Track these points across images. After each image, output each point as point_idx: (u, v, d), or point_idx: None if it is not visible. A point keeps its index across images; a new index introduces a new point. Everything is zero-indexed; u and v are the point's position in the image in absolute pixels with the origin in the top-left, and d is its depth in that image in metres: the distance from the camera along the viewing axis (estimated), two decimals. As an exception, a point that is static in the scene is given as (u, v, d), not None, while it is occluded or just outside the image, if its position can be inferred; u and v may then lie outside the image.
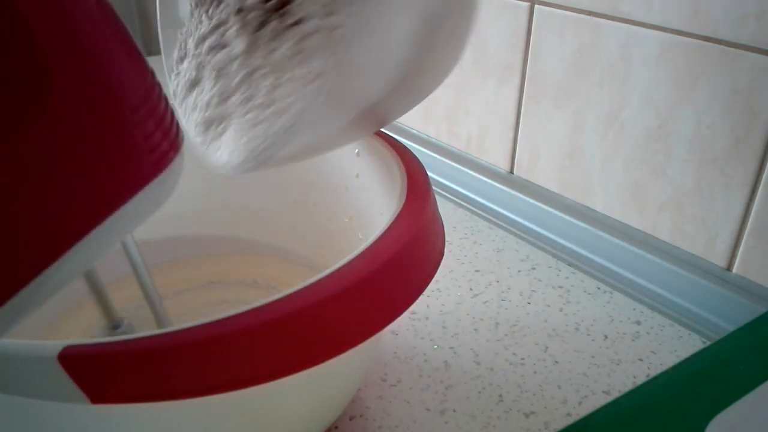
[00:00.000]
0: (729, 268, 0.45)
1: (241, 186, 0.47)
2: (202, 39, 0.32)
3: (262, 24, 0.30)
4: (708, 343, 0.43)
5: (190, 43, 0.32)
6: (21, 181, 0.18)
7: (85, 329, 0.41)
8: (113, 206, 0.20)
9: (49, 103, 0.18)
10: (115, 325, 0.31)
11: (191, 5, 0.33)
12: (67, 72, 0.18)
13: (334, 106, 0.28)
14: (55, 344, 0.23)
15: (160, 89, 0.21)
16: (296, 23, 0.29)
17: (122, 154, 0.20)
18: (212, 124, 0.30)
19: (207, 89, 0.31)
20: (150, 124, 0.20)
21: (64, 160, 0.18)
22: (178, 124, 0.22)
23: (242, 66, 0.30)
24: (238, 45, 0.30)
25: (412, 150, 0.37)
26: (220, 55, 0.31)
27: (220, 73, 0.30)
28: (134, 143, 0.20)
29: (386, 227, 0.29)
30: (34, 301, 0.19)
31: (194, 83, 0.32)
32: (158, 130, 0.20)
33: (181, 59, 0.33)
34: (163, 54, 0.34)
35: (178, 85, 0.32)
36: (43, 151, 0.18)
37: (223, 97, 0.30)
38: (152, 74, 0.21)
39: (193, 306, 0.45)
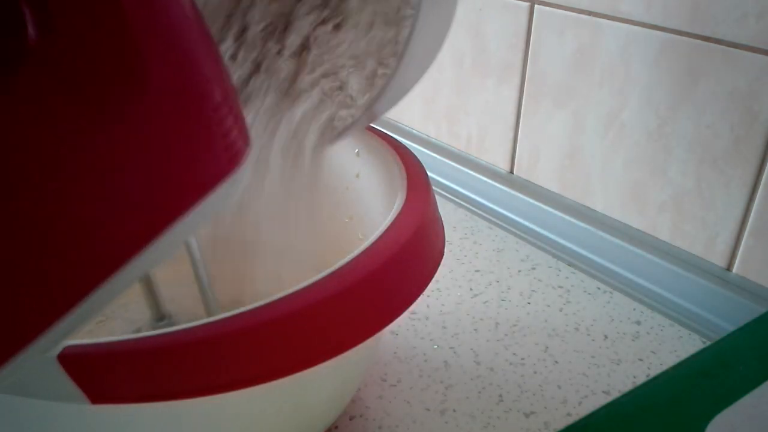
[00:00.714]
0: (729, 268, 0.45)
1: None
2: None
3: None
4: (708, 343, 0.43)
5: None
6: (111, 172, 0.18)
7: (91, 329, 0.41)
8: (194, 200, 0.20)
9: (144, 97, 0.18)
10: (159, 318, 0.32)
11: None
12: (163, 67, 0.19)
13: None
14: (55, 344, 0.23)
15: (234, 88, 0.22)
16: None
17: (204, 150, 0.20)
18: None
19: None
20: (228, 121, 0.21)
21: (152, 153, 0.19)
22: (245, 123, 0.23)
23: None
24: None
25: (412, 150, 0.37)
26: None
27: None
28: (215, 140, 0.21)
29: (386, 227, 0.29)
30: (112, 293, 0.19)
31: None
32: (234, 127, 0.21)
33: None
34: None
35: None
36: (134, 144, 0.19)
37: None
38: (228, 74, 0.22)
39: (192, 305, 0.45)
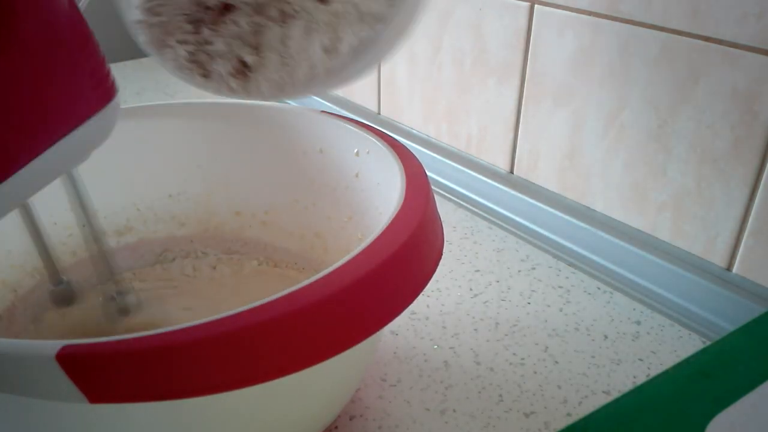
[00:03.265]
0: (729, 268, 0.44)
1: (241, 186, 0.47)
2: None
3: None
4: (708, 343, 0.43)
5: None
6: None
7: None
8: (66, 129, 0.24)
9: (13, 41, 0.22)
10: (57, 282, 0.33)
11: None
12: (32, 15, 0.22)
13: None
14: (54, 343, 0.23)
15: (95, 40, 0.25)
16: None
17: (72, 85, 0.23)
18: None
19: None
20: (93, 62, 0.24)
21: (22, 87, 0.22)
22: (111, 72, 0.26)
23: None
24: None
25: (412, 150, 0.37)
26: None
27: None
28: (82, 77, 0.24)
29: (385, 227, 0.29)
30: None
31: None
32: (100, 69, 0.24)
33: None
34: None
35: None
36: (7, 76, 0.22)
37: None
38: (86, 23, 0.25)
39: (193, 305, 0.45)
